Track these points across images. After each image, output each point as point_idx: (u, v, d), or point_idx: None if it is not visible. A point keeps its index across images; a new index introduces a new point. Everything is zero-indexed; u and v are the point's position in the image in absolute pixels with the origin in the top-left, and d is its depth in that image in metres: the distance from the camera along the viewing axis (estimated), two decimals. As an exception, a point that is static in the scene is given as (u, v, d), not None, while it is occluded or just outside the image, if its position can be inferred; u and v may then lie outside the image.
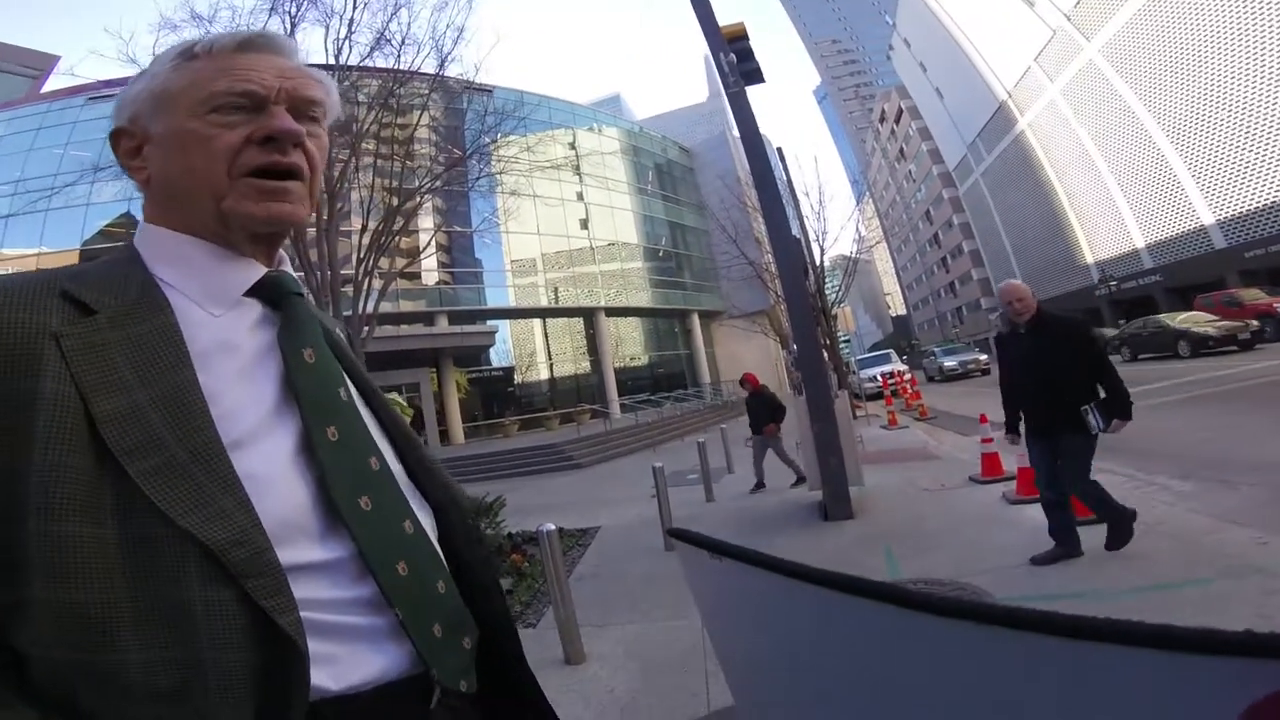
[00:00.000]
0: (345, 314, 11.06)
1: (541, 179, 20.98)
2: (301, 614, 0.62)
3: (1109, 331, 31.24)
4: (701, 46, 9.63)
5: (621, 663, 3.74)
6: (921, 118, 66.42)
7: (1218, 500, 4.98)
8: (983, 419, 7.35)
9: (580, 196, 33.42)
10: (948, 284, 71.49)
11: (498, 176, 15.22)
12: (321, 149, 0.83)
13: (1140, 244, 37.60)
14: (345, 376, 0.82)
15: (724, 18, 7.37)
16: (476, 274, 29.86)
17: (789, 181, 21.33)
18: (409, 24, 20.11)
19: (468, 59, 33.24)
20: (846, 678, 0.48)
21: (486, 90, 15.52)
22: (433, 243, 23.05)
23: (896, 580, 4.18)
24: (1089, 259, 42.67)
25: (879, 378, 22.32)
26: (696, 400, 29.84)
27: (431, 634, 0.72)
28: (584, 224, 33.41)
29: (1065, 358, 4.15)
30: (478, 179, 14.93)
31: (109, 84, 17.33)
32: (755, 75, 7.36)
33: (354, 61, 11.64)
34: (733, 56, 7.10)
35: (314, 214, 10.99)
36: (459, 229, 27.33)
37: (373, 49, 11.72)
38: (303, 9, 10.97)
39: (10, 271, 0.70)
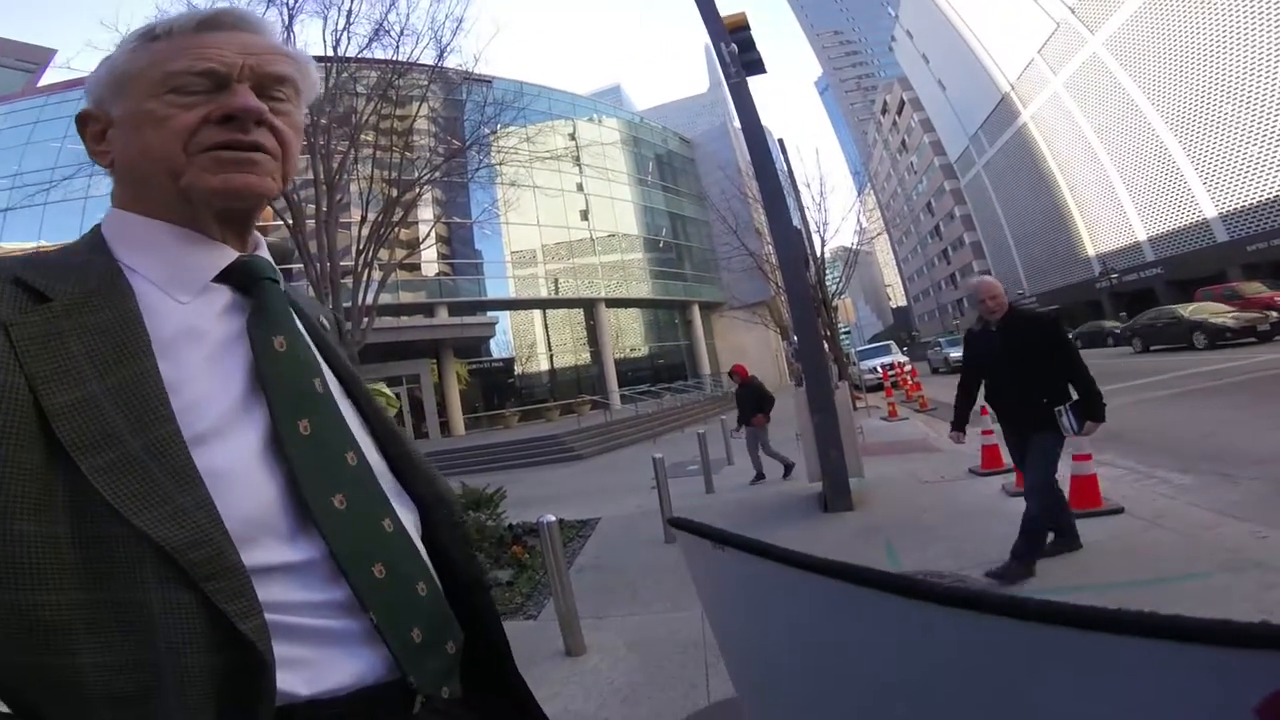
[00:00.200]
0: (345, 305, 11.05)
1: (541, 170, 20.98)
2: (269, 616, 0.59)
3: (1109, 324, 31.29)
4: (702, 36, 9.58)
5: (622, 654, 3.75)
6: (924, 109, 66.21)
7: (1217, 494, 4.98)
8: (984, 411, 7.35)
9: (580, 187, 33.33)
10: (948, 275, 71.42)
11: (497, 167, 15.21)
12: (294, 127, 0.80)
13: (1142, 237, 37.56)
14: (322, 366, 0.78)
15: (725, 7, 7.32)
16: (476, 265, 29.81)
17: (790, 173, 21.28)
18: (407, 14, 20.07)
19: (467, 50, 33.37)
20: (849, 668, 0.48)
21: (486, 81, 15.48)
22: (432, 234, 23.07)
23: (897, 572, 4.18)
24: (1090, 251, 42.62)
25: (879, 369, 22.27)
26: (696, 391, 29.87)
27: (410, 639, 0.69)
28: (584, 215, 33.33)
29: (1037, 356, 4.07)
30: (477, 170, 14.91)
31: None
32: (756, 66, 7.32)
33: (352, 53, 11.60)
34: (734, 47, 7.06)
35: (316, 205, 11.01)
36: (459, 220, 27.32)
37: (371, 40, 11.69)
38: (300, 0, 10.91)
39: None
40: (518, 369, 31.54)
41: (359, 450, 0.74)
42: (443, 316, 26.87)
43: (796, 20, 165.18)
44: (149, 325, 0.66)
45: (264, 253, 0.82)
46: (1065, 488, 5.08)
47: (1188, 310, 20.11)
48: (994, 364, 4.30)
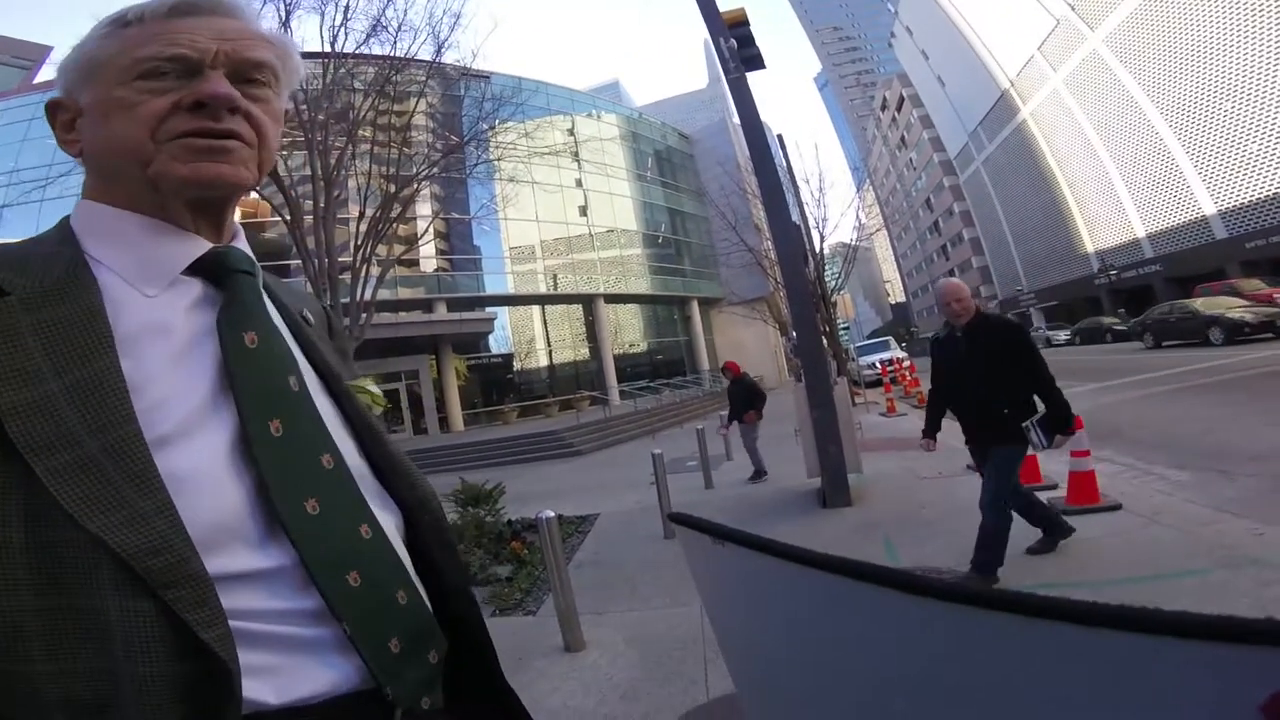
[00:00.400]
0: (344, 301, 11.04)
1: (540, 165, 20.94)
2: (236, 624, 0.57)
3: (1107, 320, 31.31)
4: (702, 32, 9.56)
5: (621, 650, 3.75)
6: (923, 106, 66.13)
7: (1215, 491, 4.99)
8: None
9: (579, 183, 33.27)
10: (947, 272, 71.41)
11: (496, 163, 15.20)
12: (273, 115, 0.76)
13: (1141, 233, 37.56)
14: (299, 363, 0.75)
15: (724, 3, 7.31)
16: (475, 261, 29.77)
17: (789, 168, 21.28)
18: (405, 10, 20.04)
19: (465, 45, 33.31)
20: (848, 663, 0.48)
21: (484, 76, 15.45)
22: (430, 230, 23.05)
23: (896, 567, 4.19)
24: (1089, 248, 42.63)
25: (878, 365, 22.29)
26: (695, 387, 29.87)
27: (387, 649, 0.66)
28: (583, 211, 33.28)
29: (1002, 364, 3.92)
30: (475, 165, 14.90)
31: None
32: (756, 61, 7.31)
33: (350, 48, 11.57)
34: (733, 42, 7.05)
35: (314, 201, 10.99)
36: (457, 216, 27.29)
37: (369, 35, 11.66)
38: (297, -5, 10.88)
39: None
40: (517, 365, 31.53)
41: (336, 452, 0.71)
42: (441, 312, 26.84)
43: (796, 16, 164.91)
44: (113, 320, 0.63)
45: (241, 243, 0.79)
46: (1063, 484, 5.10)
47: (1203, 304, 19.39)
48: (958, 370, 4.16)
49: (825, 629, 0.49)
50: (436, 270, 28.42)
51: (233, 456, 0.64)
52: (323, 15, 11.21)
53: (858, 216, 29.21)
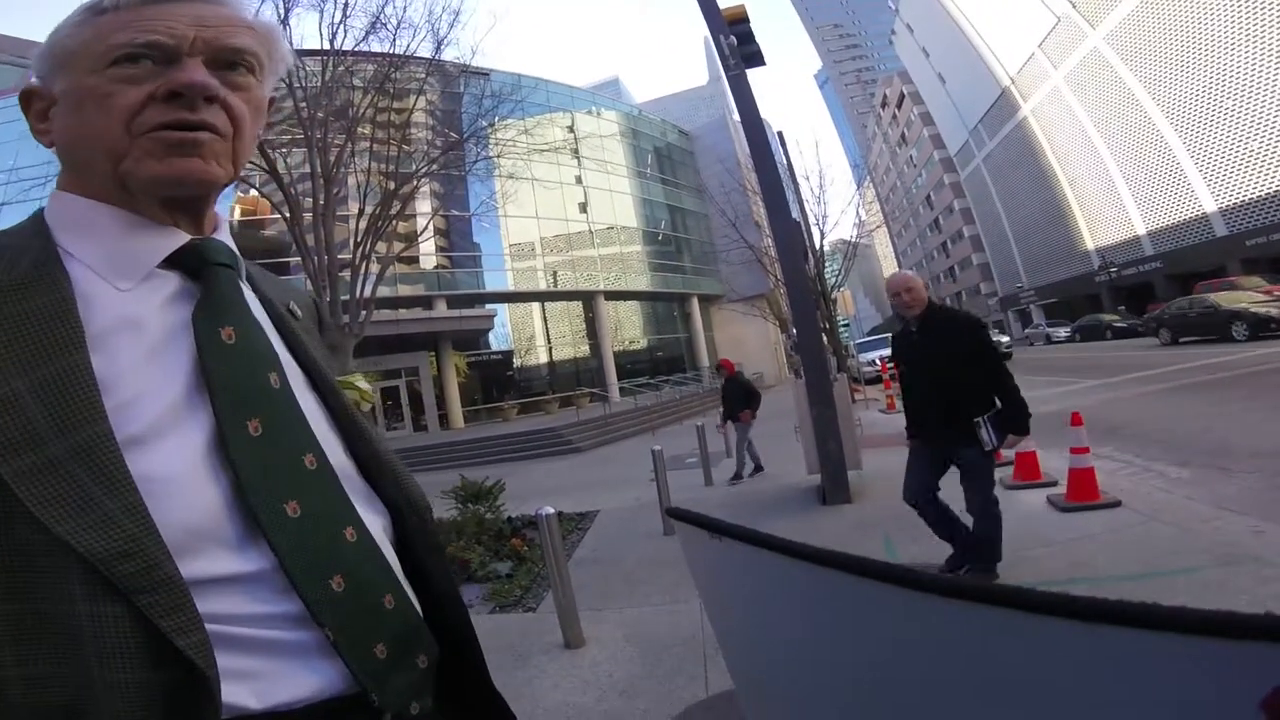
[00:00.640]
0: (343, 298, 11.03)
1: (539, 162, 20.90)
2: (214, 628, 0.55)
3: (1106, 317, 31.30)
4: (702, 29, 9.54)
5: (620, 646, 3.76)
6: (923, 103, 66.03)
7: (1215, 488, 4.99)
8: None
9: (579, 180, 33.26)
10: (947, 269, 71.43)
11: (495, 160, 15.17)
12: (254, 104, 0.73)
13: (1141, 231, 37.53)
14: (281, 359, 0.72)
15: (724, 0, 7.29)
16: (475, 258, 29.78)
17: (789, 165, 21.27)
18: (404, 7, 20.00)
19: (464, 42, 33.10)
20: (848, 659, 0.48)
21: (483, 73, 15.42)
22: (430, 227, 23.03)
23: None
24: (1090, 245, 42.60)
25: (878, 362, 22.27)
26: (695, 384, 29.92)
27: (373, 654, 0.65)
28: (583, 208, 33.27)
29: (956, 359, 3.70)
30: (475, 163, 14.88)
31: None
32: (756, 58, 7.30)
33: (349, 46, 11.55)
34: (733, 39, 7.04)
35: (313, 199, 10.99)
36: (457, 213, 27.26)
37: (368, 33, 11.64)
38: (296, -8, 10.86)
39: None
40: (516, 362, 31.53)
41: (319, 452, 0.69)
42: (441, 309, 26.86)
43: (796, 13, 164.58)
44: (84, 315, 0.61)
45: (223, 235, 0.76)
46: (1063, 481, 5.10)
47: (1224, 299, 18.60)
48: (912, 366, 4.00)
49: (824, 624, 0.49)
50: (436, 267, 28.41)
51: (208, 457, 0.62)
52: (321, 13, 11.20)
53: (858, 213, 29.23)
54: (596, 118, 35.80)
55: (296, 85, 10.57)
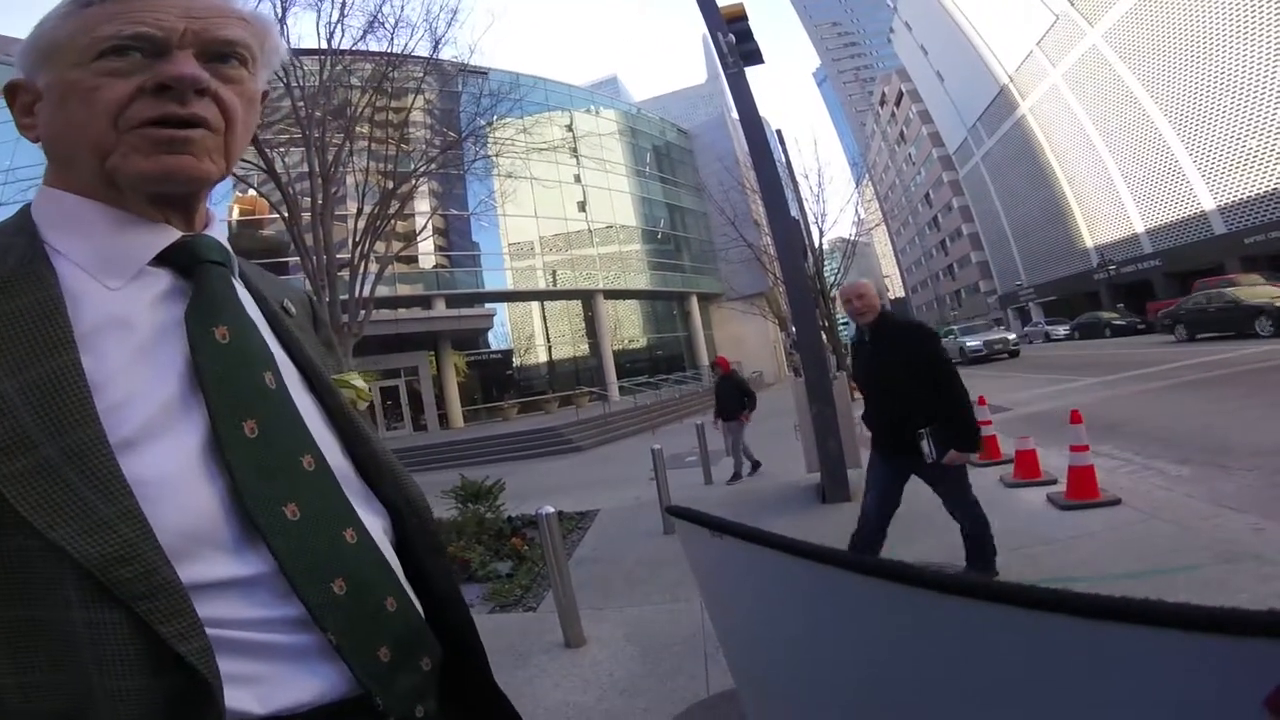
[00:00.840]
0: (342, 298, 11.02)
1: (538, 161, 20.92)
2: (215, 633, 0.54)
3: (1105, 314, 31.29)
4: (700, 27, 9.54)
5: (621, 646, 3.76)
6: (922, 101, 66.00)
7: (1215, 485, 4.99)
8: (980, 401, 7.36)
9: (578, 179, 33.26)
10: (946, 267, 71.45)
11: (494, 159, 15.16)
12: (246, 98, 0.71)
13: (1140, 229, 37.53)
14: (276, 358, 0.70)
15: (723, -2, 7.29)
16: (474, 257, 29.79)
17: (788, 164, 21.26)
18: (402, 6, 19.96)
19: (462, 41, 33.09)
20: (849, 658, 0.48)
21: (481, 72, 15.39)
22: (429, 226, 23.02)
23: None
24: (1088, 243, 42.60)
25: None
26: (695, 383, 29.91)
27: (376, 657, 0.64)
28: (582, 206, 33.27)
29: (906, 370, 3.59)
30: (474, 162, 14.89)
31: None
32: (754, 56, 7.30)
33: (346, 45, 11.54)
34: (731, 37, 7.04)
35: (311, 198, 10.98)
36: (455, 212, 27.27)
37: (365, 32, 11.62)
38: (294, -9, 10.84)
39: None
40: (516, 361, 31.55)
41: (317, 453, 0.67)
42: (440, 309, 26.86)
43: (794, 11, 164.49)
44: (72, 314, 0.59)
45: (215, 231, 0.74)
46: (1063, 479, 5.10)
47: (1245, 294, 17.70)
48: (865, 375, 3.91)
49: (825, 622, 0.49)
50: (435, 267, 28.40)
51: (204, 459, 0.60)
52: (319, 12, 11.18)
53: (857, 212, 29.25)
54: (595, 116, 35.80)
55: (294, 84, 10.56)
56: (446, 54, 12.93)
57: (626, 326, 35.75)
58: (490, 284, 29.83)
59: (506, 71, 22.29)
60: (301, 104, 10.68)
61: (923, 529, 5.11)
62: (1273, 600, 3.02)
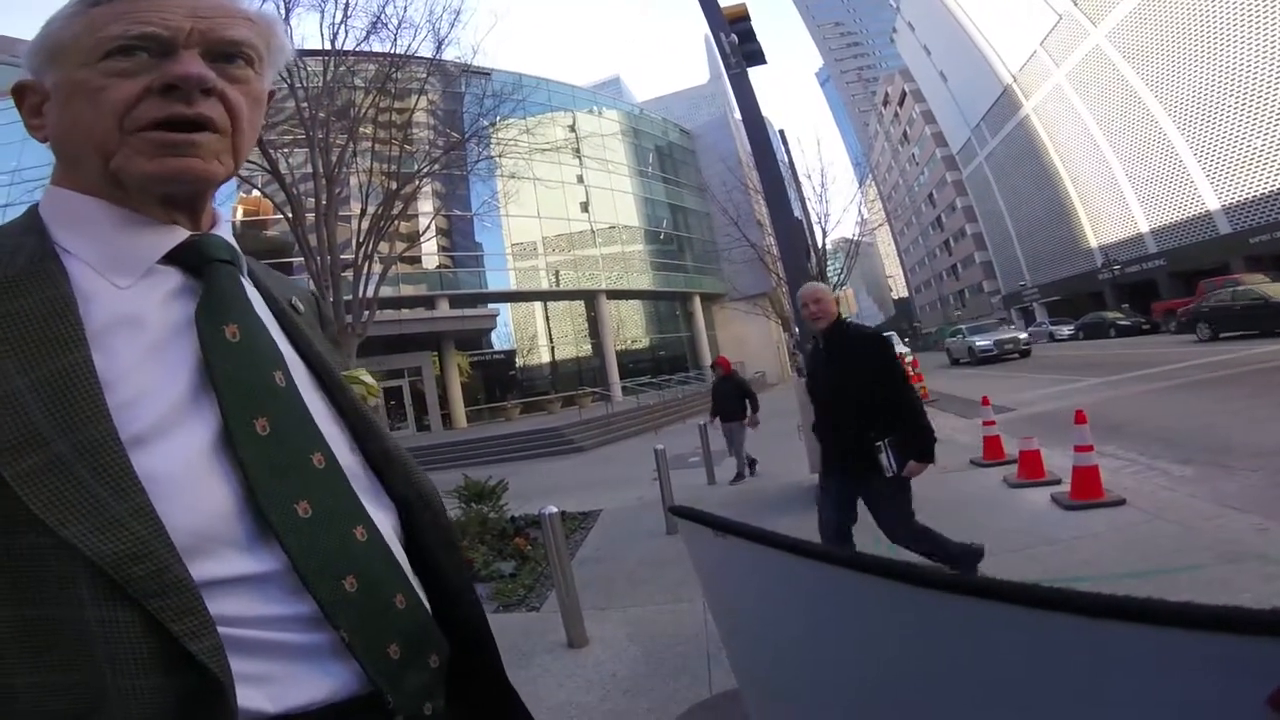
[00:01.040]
0: (346, 298, 11.05)
1: (541, 162, 20.94)
2: (226, 631, 0.54)
3: (1110, 314, 31.21)
4: (703, 27, 9.54)
5: (624, 646, 3.76)
6: (925, 101, 65.97)
7: (1218, 485, 4.98)
8: (984, 401, 7.35)
9: (580, 179, 33.26)
10: (950, 267, 71.34)
11: (497, 159, 15.19)
12: (252, 97, 0.72)
13: (1144, 228, 37.45)
14: (285, 356, 0.71)
15: (724, -4, 7.29)
16: (477, 257, 29.81)
17: (791, 164, 21.26)
18: (405, 7, 19.98)
19: (465, 41, 33.16)
20: (852, 657, 0.48)
21: (484, 73, 15.42)
22: (432, 226, 23.05)
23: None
24: (1093, 243, 42.52)
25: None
26: (698, 383, 29.87)
27: (386, 655, 0.64)
28: (584, 207, 33.28)
29: (859, 378, 3.44)
30: (477, 162, 14.91)
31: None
32: (757, 57, 7.30)
33: (350, 46, 11.58)
34: (734, 37, 7.04)
35: (315, 199, 11.00)
36: (459, 212, 27.32)
37: (369, 33, 11.67)
38: (297, -8, 10.88)
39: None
40: (519, 361, 31.56)
41: (327, 450, 0.68)
42: (443, 309, 26.88)
43: (797, 11, 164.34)
44: (83, 312, 0.60)
45: (222, 230, 0.75)
46: (1067, 479, 5.09)
47: (1275, 289, 17.06)
48: (816, 383, 3.78)
49: (828, 621, 0.49)
50: (439, 267, 28.44)
51: (215, 457, 0.60)
52: (323, 13, 11.22)
53: (860, 212, 29.17)
54: (598, 117, 35.79)
55: (298, 85, 10.58)
56: (450, 55, 13.00)
57: (629, 327, 35.74)
58: (493, 284, 29.85)
59: (509, 72, 22.32)
60: (305, 105, 10.71)
61: (930, 527, 5.11)
62: (1276, 600, 3.01)
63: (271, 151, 10.40)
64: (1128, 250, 38.89)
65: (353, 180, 12.96)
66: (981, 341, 24.61)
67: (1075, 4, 38.04)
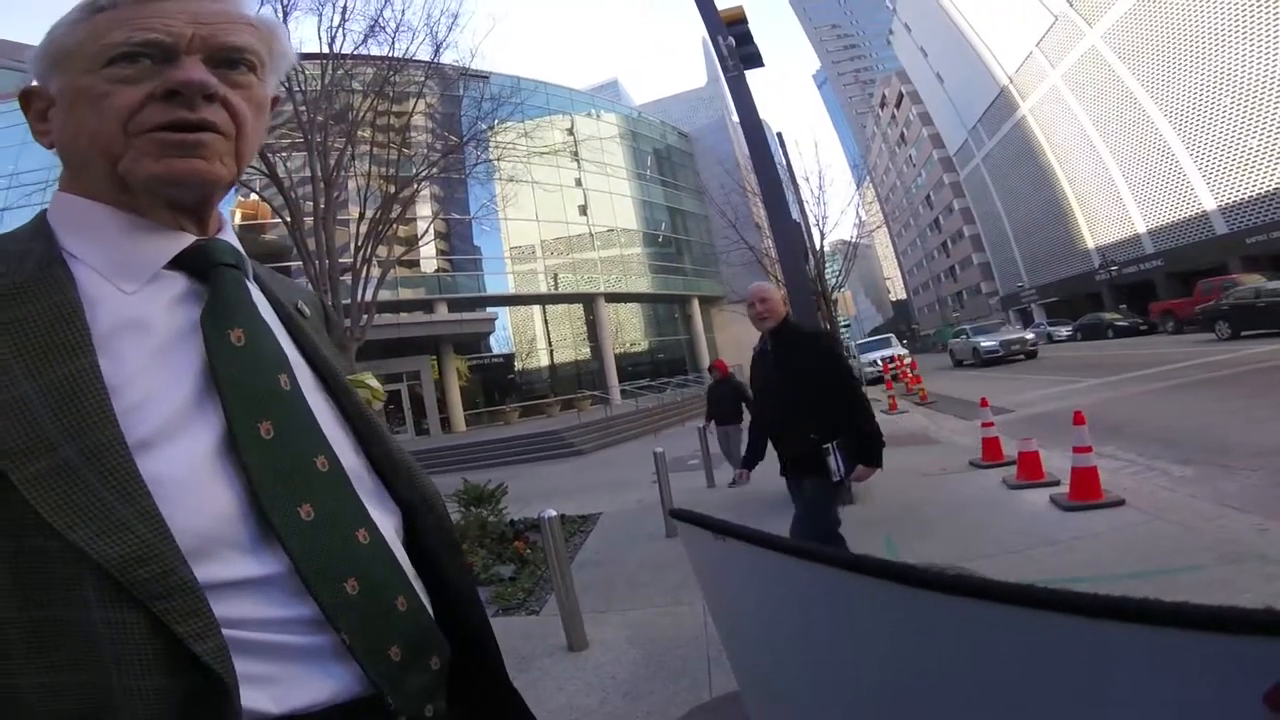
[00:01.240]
0: (344, 302, 11.04)
1: (540, 165, 20.98)
2: (230, 633, 0.55)
3: (1108, 316, 31.23)
4: (700, 30, 9.55)
5: (624, 649, 3.75)
6: (922, 103, 66.07)
7: (1218, 486, 4.98)
8: (983, 403, 7.35)
9: (579, 182, 33.32)
10: (948, 268, 71.40)
11: (495, 163, 15.20)
12: (255, 103, 0.72)
13: (1141, 229, 37.51)
14: (290, 360, 0.71)
15: (722, 1, 7.30)
16: (475, 261, 29.84)
17: (788, 166, 21.29)
18: (403, 10, 19.98)
19: (463, 45, 33.31)
20: (852, 659, 0.48)
21: (482, 76, 15.45)
22: (431, 230, 23.06)
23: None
24: (1090, 244, 42.58)
25: (879, 362, 22.24)
26: (697, 386, 29.86)
27: (387, 657, 0.64)
28: (583, 210, 33.33)
29: (810, 379, 3.36)
30: (475, 166, 14.93)
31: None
32: (754, 59, 7.31)
33: (348, 50, 11.58)
34: (731, 40, 7.05)
35: (314, 202, 11.00)
36: (457, 216, 27.36)
37: (367, 36, 11.68)
38: (294, -4, 10.89)
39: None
40: (518, 365, 31.59)
41: (331, 453, 0.68)
42: (442, 313, 26.90)
43: (794, 14, 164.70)
44: (90, 317, 0.60)
45: (227, 235, 0.76)
46: (1066, 481, 5.09)
47: None
48: (762, 385, 3.70)
49: (827, 623, 0.49)
50: (437, 271, 28.47)
51: (220, 460, 0.61)
52: (320, 16, 11.23)
53: (858, 214, 29.22)
54: (596, 120, 35.86)
55: (296, 89, 10.59)
56: (448, 58, 12.99)
57: (628, 330, 35.77)
58: (492, 288, 29.89)
59: (507, 75, 22.38)
60: (303, 108, 10.71)
61: (931, 529, 5.12)
62: (1277, 600, 3.01)
63: (270, 155, 10.40)
64: (1125, 251, 38.94)
65: (351, 184, 12.97)
66: (987, 342, 23.86)
67: (1071, 5, 38.14)
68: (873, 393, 18.54)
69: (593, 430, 19.06)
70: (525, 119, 18.05)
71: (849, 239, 27.12)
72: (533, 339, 32.29)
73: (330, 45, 11.27)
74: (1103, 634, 0.30)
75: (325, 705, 0.61)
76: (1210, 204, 31.96)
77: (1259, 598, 3.07)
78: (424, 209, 23.57)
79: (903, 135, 75.53)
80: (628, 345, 35.28)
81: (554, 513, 4.00)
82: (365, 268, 11.29)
